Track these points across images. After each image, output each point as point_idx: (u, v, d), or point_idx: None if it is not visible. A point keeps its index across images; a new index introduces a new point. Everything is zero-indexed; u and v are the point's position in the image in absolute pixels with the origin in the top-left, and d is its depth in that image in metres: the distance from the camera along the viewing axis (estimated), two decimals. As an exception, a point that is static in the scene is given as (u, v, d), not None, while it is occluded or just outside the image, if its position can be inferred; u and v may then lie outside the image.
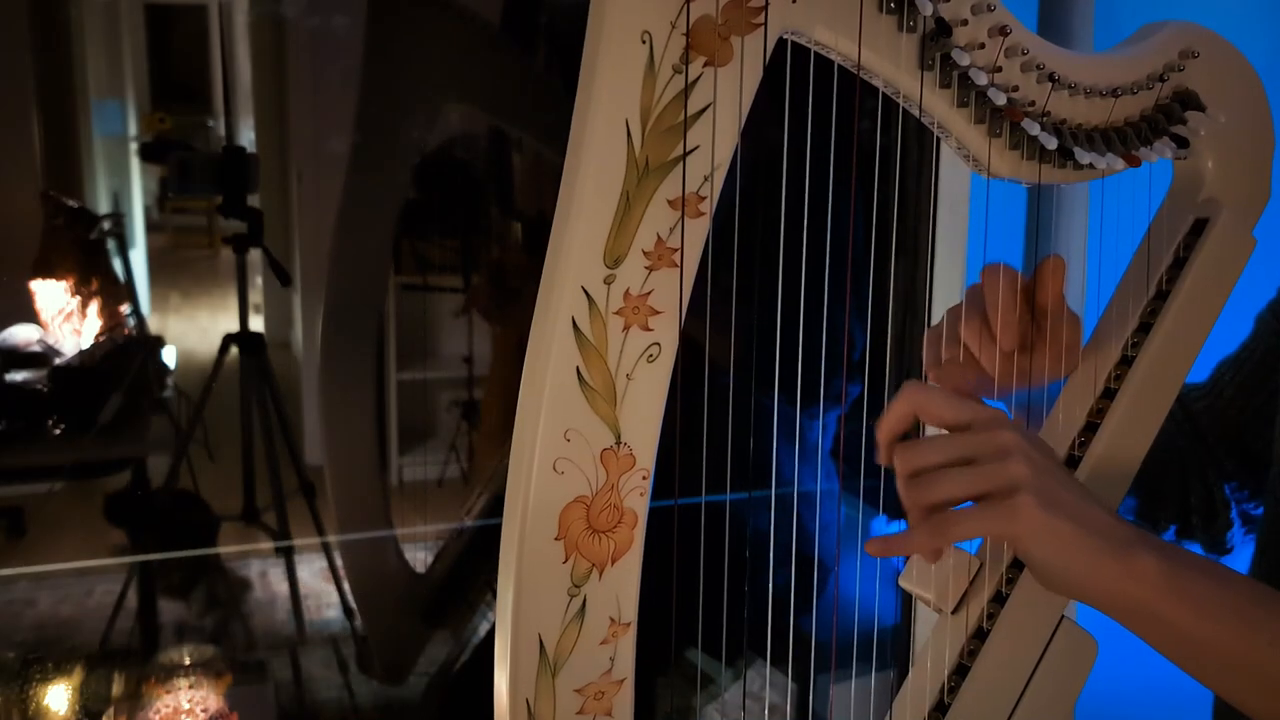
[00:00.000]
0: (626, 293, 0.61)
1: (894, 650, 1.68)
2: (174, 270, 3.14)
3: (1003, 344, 0.78)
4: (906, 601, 1.53)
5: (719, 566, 0.85)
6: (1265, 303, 0.97)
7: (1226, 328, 0.84)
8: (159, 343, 2.32)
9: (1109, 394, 0.81)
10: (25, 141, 2.25)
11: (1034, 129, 0.72)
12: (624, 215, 0.60)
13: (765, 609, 0.94)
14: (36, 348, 2.18)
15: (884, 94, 0.70)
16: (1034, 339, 0.81)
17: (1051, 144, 0.73)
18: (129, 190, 2.77)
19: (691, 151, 0.61)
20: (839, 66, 0.67)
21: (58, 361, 2.17)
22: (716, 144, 0.61)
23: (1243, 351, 0.98)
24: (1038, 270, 0.79)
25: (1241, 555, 0.99)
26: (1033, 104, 0.72)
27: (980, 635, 0.77)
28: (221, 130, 2.93)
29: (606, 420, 0.62)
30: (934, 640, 0.78)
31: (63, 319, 2.19)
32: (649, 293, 0.62)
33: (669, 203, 0.61)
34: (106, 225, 2.24)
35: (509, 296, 2.20)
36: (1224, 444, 0.98)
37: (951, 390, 0.80)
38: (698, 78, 0.60)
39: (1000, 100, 0.70)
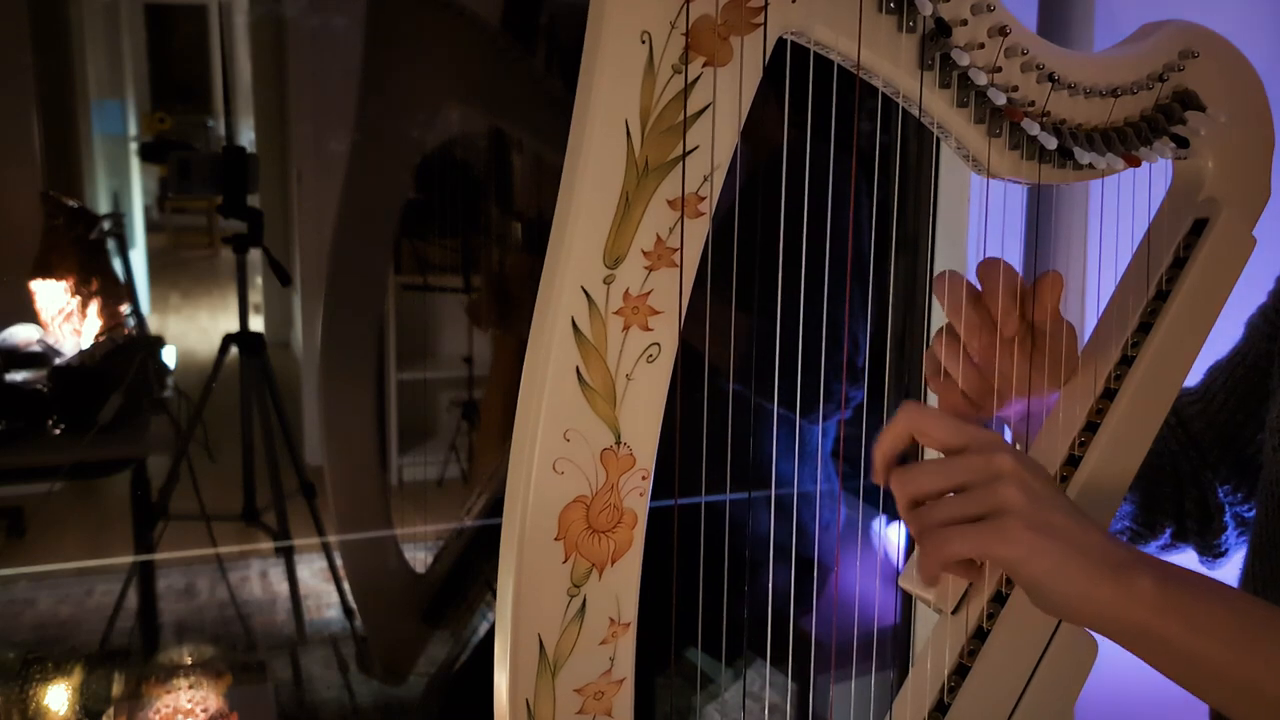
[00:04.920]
0: (626, 293, 0.61)
1: (894, 650, 1.68)
2: (174, 270, 3.15)
3: (1004, 330, 0.78)
4: (906, 601, 1.53)
5: (719, 566, 0.85)
6: (1256, 307, 0.97)
7: (1218, 332, 0.84)
8: (159, 343, 2.32)
9: (1109, 394, 0.81)
10: (25, 141, 2.25)
11: (1034, 129, 0.72)
12: (624, 215, 0.60)
13: (765, 609, 0.94)
14: (36, 348, 2.18)
15: (884, 94, 0.70)
16: (1031, 349, 0.81)
17: (1051, 144, 0.73)
18: (129, 190, 2.78)
19: (691, 152, 0.61)
20: (839, 66, 0.67)
21: (58, 361, 2.17)
22: (716, 144, 0.61)
23: (1234, 356, 0.98)
24: (1036, 285, 0.80)
25: (1235, 558, 0.99)
26: (1032, 104, 0.72)
27: (980, 635, 0.77)
28: (221, 130, 2.93)
29: (606, 420, 0.62)
30: (934, 640, 0.78)
31: (63, 319, 2.19)
32: (649, 293, 0.61)
33: (669, 203, 0.61)
34: (106, 225, 2.24)
35: (509, 304, 2.19)
36: (1217, 448, 0.98)
37: (951, 409, 0.81)
38: (697, 78, 0.60)
39: (1000, 100, 0.70)
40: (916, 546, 0.66)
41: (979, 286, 0.80)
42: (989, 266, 0.79)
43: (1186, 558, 1.01)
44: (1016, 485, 0.63)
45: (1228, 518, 0.98)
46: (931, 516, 0.65)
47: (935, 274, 0.82)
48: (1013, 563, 0.63)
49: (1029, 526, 0.62)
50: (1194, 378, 0.95)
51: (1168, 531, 0.99)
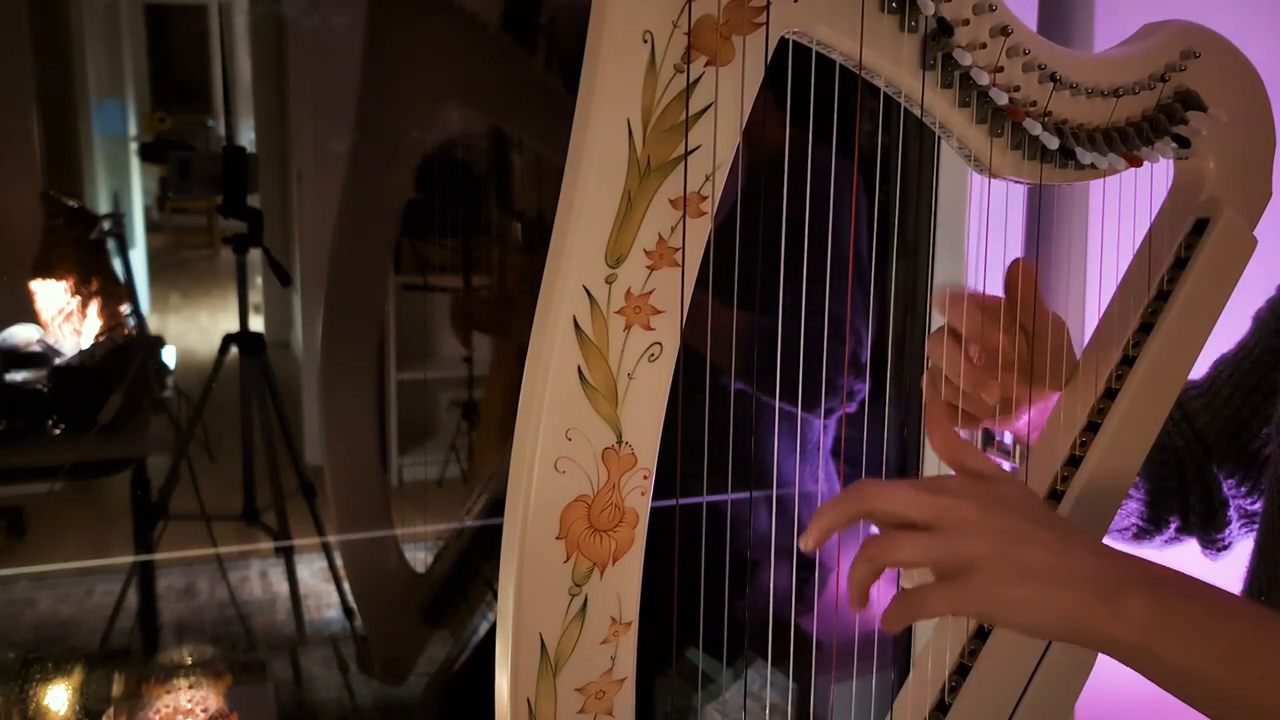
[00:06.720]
0: (628, 292, 0.61)
1: (894, 650, 1.68)
2: (174, 270, 3.15)
3: (1006, 361, 0.78)
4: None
5: (720, 566, 0.85)
6: (1264, 302, 0.97)
7: (1218, 331, 0.84)
8: (159, 343, 2.32)
9: (1110, 394, 0.81)
10: (25, 141, 2.25)
11: (1036, 129, 0.72)
12: (625, 215, 0.60)
13: (766, 609, 0.94)
14: (36, 348, 2.18)
15: (885, 94, 0.70)
16: (1024, 350, 0.81)
17: (1053, 144, 0.73)
18: (129, 190, 2.78)
19: (693, 151, 0.61)
20: (840, 66, 0.67)
21: (58, 361, 2.16)
22: (718, 143, 0.61)
23: (1240, 350, 0.98)
24: (1006, 281, 0.79)
25: (1239, 553, 0.99)
26: (1034, 104, 0.72)
27: (981, 635, 0.77)
28: (221, 130, 2.93)
29: (608, 419, 0.62)
30: (935, 640, 0.78)
31: (63, 319, 2.19)
32: (650, 292, 0.62)
33: (670, 202, 0.61)
34: (106, 225, 2.24)
35: (507, 305, 2.19)
36: (1221, 442, 0.98)
37: (950, 422, 0.79)
38: (699, 77, 0.60)
39: (1002, 100, 0.70)
40: (855, 574, 0.62)
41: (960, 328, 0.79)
42: (969, 318, 0.78)
43: (1188, 550, 1.01)
44: (983, 536, 0.60)
45: (1231, 512, 0.98)
46: (891, 553, 0.60)
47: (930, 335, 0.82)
48: (986, 616, 0.61)
49: (997, 581, 0.59)
50: (1199, 371, 0.95)
51: (1173, 525, 0.99)
